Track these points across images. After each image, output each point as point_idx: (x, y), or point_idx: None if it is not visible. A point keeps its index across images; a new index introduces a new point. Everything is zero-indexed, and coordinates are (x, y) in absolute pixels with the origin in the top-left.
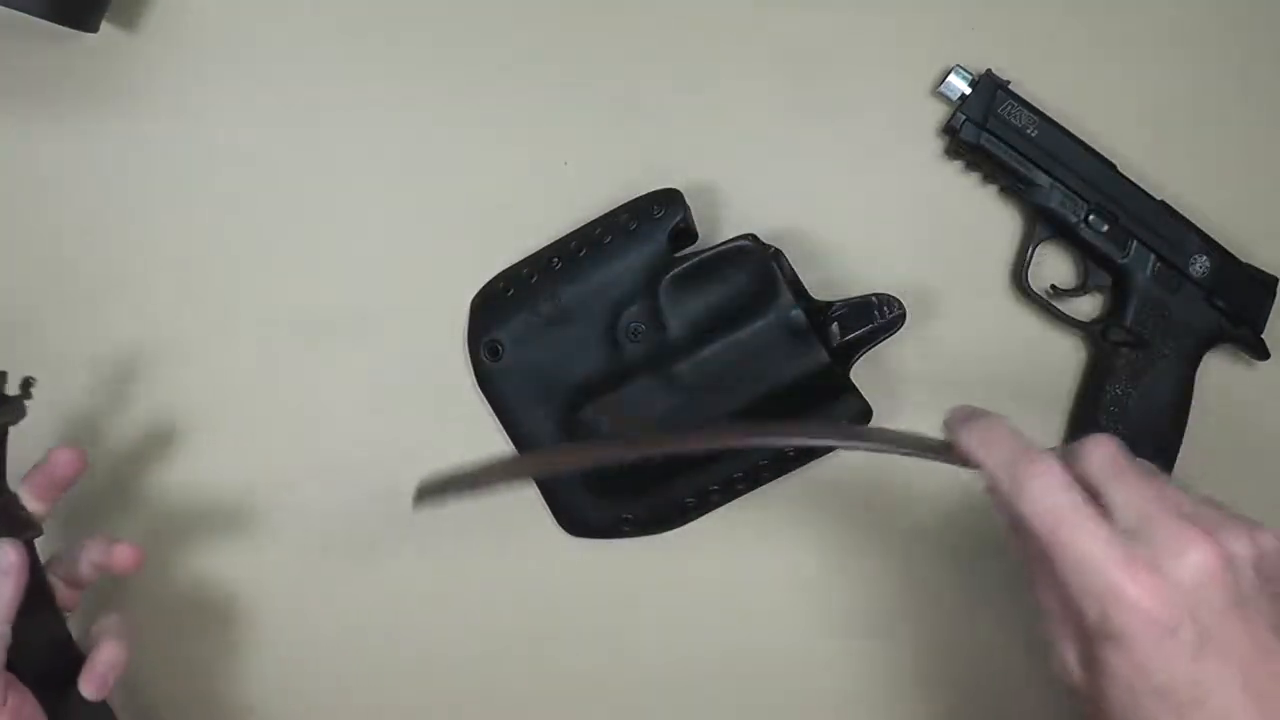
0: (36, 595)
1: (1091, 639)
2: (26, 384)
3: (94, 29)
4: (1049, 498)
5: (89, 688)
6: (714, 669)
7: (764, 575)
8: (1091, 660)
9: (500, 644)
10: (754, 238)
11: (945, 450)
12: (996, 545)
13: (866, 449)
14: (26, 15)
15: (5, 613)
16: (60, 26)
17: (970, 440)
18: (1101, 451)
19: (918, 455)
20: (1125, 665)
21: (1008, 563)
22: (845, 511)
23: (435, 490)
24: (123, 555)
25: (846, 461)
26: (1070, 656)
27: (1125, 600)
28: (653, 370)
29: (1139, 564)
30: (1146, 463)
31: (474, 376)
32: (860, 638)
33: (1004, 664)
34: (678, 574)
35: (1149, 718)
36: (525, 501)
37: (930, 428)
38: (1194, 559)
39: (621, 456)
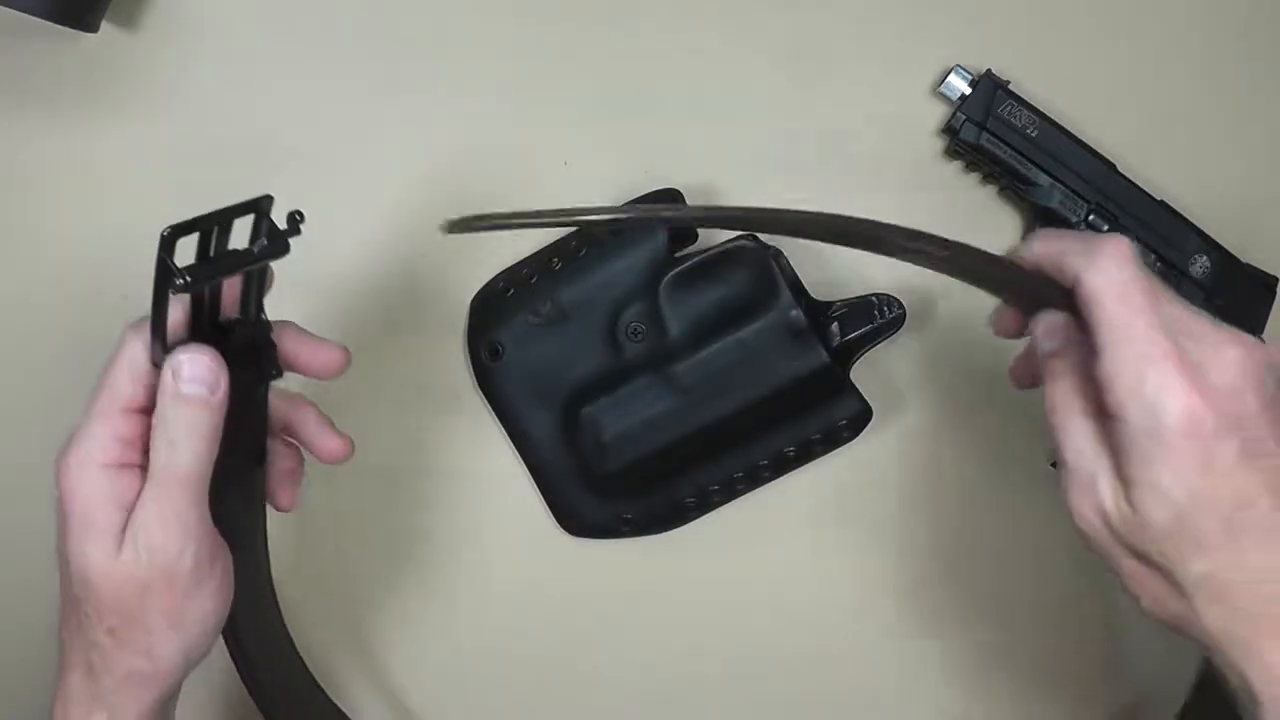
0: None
1: (1130, 454)
2: (294, 219)
3: (94, 29)
4: (1125, 270)
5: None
6: (713, 669)
7: (764, 575)
8: (1130, 483)
9: (499, 643)
10: (754, 238)
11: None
12: (1000, 546)
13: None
14: (26, 15)
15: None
16: (60, 26)
17: (1043, 243)
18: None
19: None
20: (1169, 475)
21: (1013, 564)
22: (846, 511)
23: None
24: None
25: (847, 462)
26: (1105, 488)
27: (1178, 399)
28: (653, 370)
29: (1190, 364)
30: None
31: (474, 376)
32: (861, 638)
33: (1007, 664)
34: (677, 574)
35: (1193, 534)
36: (525, 501)
37: (931, 429)
38: (1233, 355)
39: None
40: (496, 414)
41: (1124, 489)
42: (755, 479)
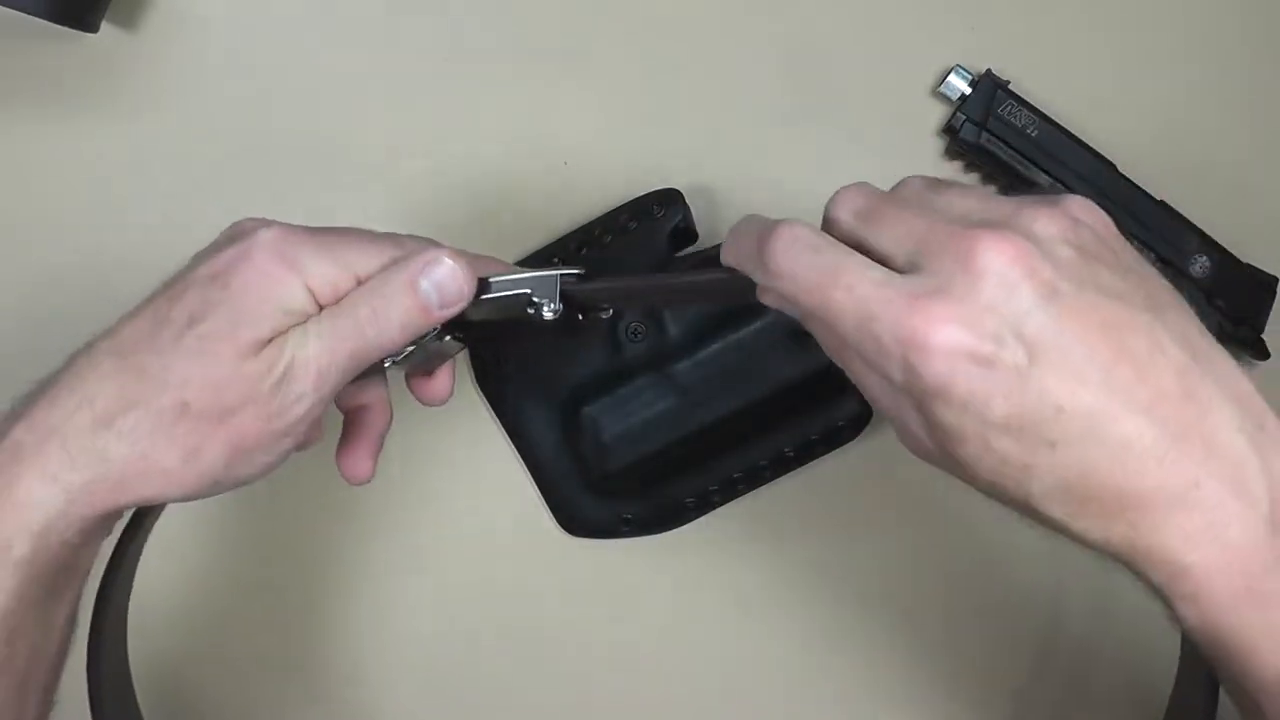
0: None
1: (918, 403)
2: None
3: (94, 29)
4: (801, 260)
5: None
6: (713, 669)
7: (764, 576)
8: (931, 427)
9: (498, 644)
10: None
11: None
12: (1001, 545)
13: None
14: (26, 15)
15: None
16: (60, 26)
17: (724, 254)
18: (848, 205)
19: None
20: (959, 418)
21: (1014, 563)
22: (846, 512)
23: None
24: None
25: (847, 462)
26: (916, 428)
27: (922, 344)
28: (653, 370)
29: (924, 296)
30: (919, 182)
31: (474, 376)
32: (861, 639)
33: (1011, 666)
34: (677, 574)
35: (1016, 462)
36: (525, 501)
37: None
38: (982, 264)
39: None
40: (496, 414)
41: (929, 430)
42: (755, 479)
